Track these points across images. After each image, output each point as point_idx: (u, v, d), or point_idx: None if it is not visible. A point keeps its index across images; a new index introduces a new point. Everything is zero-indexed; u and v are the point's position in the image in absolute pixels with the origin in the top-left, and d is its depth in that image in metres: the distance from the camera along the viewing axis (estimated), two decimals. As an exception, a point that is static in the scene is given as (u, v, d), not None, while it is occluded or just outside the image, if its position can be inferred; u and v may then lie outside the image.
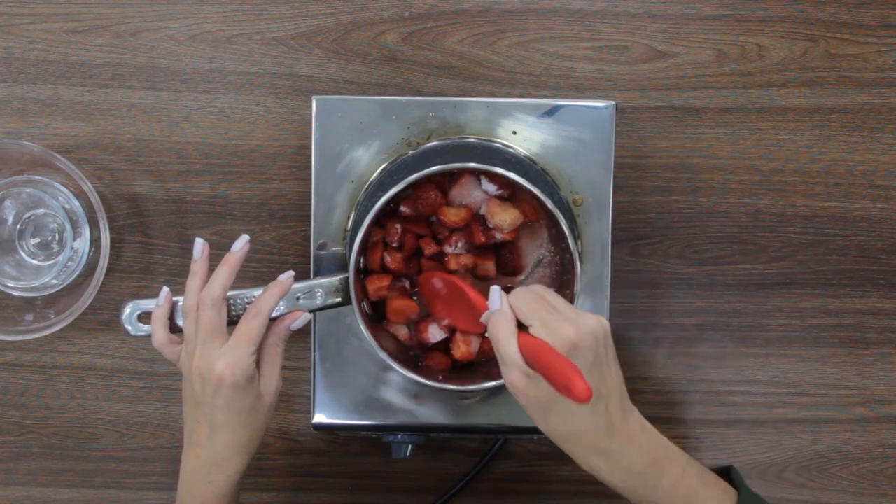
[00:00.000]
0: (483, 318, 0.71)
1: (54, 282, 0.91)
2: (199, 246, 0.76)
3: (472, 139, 0.83)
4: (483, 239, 0.81)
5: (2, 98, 0.91)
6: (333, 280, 0.78)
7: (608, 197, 0.83)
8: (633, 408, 0.71)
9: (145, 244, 0.93)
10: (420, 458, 0.93)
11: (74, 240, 0.90)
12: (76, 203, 0.89)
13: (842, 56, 0.90)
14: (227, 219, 0.92)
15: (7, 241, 0.93)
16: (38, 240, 0.93)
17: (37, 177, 0.91)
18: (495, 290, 0.70)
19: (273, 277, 0.76)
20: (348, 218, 0.83)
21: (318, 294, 0.78)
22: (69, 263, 0.91)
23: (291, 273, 0.77)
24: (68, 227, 0.90)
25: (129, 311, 0.78)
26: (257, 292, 0.76)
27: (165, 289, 0.76)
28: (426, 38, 0.90)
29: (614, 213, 0.83)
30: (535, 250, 0.84)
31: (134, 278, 0.93)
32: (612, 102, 0.82)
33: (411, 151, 0.83)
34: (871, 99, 0.91)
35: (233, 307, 0.76)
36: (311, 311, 0.77)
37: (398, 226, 0.81)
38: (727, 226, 0.92)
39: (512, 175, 0.75)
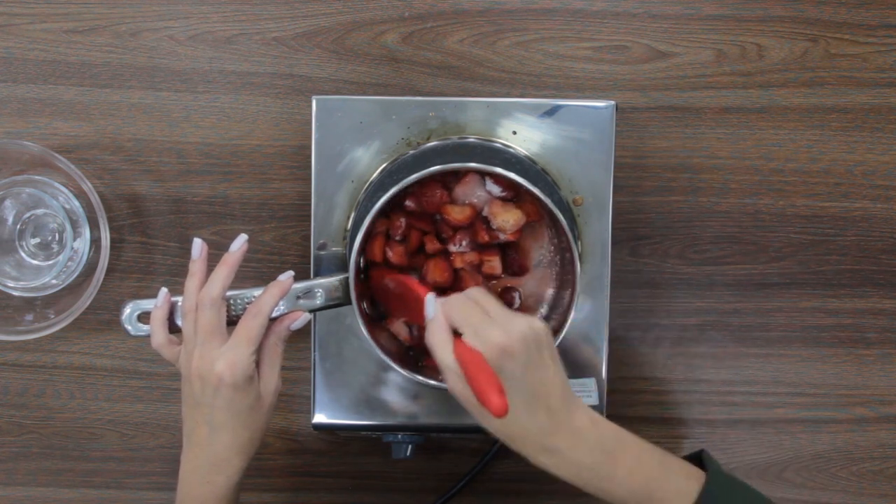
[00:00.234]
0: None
1: (54, 282, 0.91)
2: (198, 246, 0.76)
3: (472, 139, 0.83)
4: (487, 238, 0.81)
5: (2, 98, 0.91)
6: (333, 280, 0.78)
7: (608, 197, 0.83)
8: (578, 404, 0.71)
9: (145, 244, 0.93)
10: (420, 458, 0.93)
11: (74, 240, 0.90)
12: (76, 203, 0.89)
13: (842, 56, 0.90)
14: (227, 219, 0.92)
15: (7, 241, 0.93)
16: (38, 240, 0.93)
17: (37, 177, 0.91)
18: (430, 298, 0.71)
19: (273, 277, 0.76)
20: (348, 218, 0.83)
21: (318, 294, 0.78)
22: (69, 263, 0.91)
23: (291, 273, 0.77)
24: (68, 227, 0.90)
25: (129, 311, 0.77)
26: (257, 292, 0.76)
27: (164, 289, 0.76)
28: (426, 38, 0.90)
29: (614, 213, 0.83)
30: (538, 250, 0.84)
31: (134, 278, 0.93)
32: (612, 102, 0.82)
33: (411, 151, 0.83)
34: (871, 99, 0.91)
35: (232, 307, 0.76)
36: (311, 311, 0.77)
37: (403, 219, 0.81)
38: (727, 226, 0.92)
39: (512, 175, 0.75)
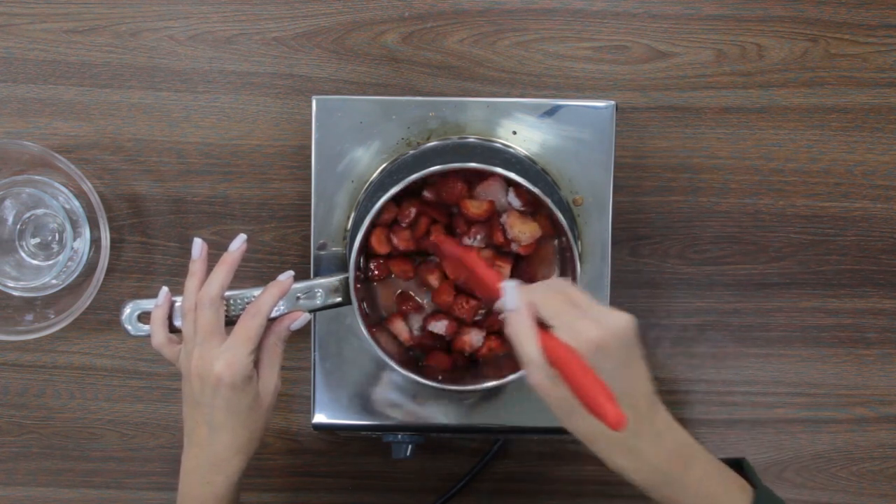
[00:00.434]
0: (497, 307, 0.68)
1: (54, 282, 0.91)
2: (198, 246, 0.76)
3: (472, 139, 0.83)
4: (502, 239, 0.80)
5: (2, 98, 0.91)
6: (333, 280, 0.78)
7: (608, 197, 0.83)
8: (659, 405, 0.69)
9: (145, 244, 0.93)
10: (420, 458, 0.93)
11: (74, 240, 0.90)
12: (76, 203, 0.90)
13: (842, 56, 0.90)
14: (227, 219, 0.92)
15: (7, 241, 0.93)
16: (38, 240, 0.93)
17: (37, 177, 0.91)
18: (509, 287, 0.67)
19: (273, 277, 0.76)
20: (348, 218, 0.83)
21: (318, 294, 0.78)
22: (69, 263, 0.91)
23: (291, 273, 0.77)
24: (68, 227, 0.90)
25: (129, 311, 0.77)
26: (256, 292, 0.76)
27: (164, 289, 0.76)
28: (426, 38, 0.90)
29: (614, 213, 0.83)
30: (546, 267, 0.83)
31: (134, 278, 0.93)
32: (612, 102, 0.82)
33: (411, 151, 0.83)
34: (871, 99, 0.91)
35: (232, 307, 0.76)
36: (310, 311, 0.77)
37: (413, 209, 0.80)
38: (727, 226, 0.92)
39: (512, 175, 0.75)
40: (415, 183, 0.76)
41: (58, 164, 0.87)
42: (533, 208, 0.81)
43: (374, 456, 0.95)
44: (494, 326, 0.82)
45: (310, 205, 0.83)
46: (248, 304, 0.76)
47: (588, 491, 0.94)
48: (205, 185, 0.92)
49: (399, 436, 0.85)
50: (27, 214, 0.93)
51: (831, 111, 0.91)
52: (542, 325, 0.65)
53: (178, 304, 0.76)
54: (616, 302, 0.85)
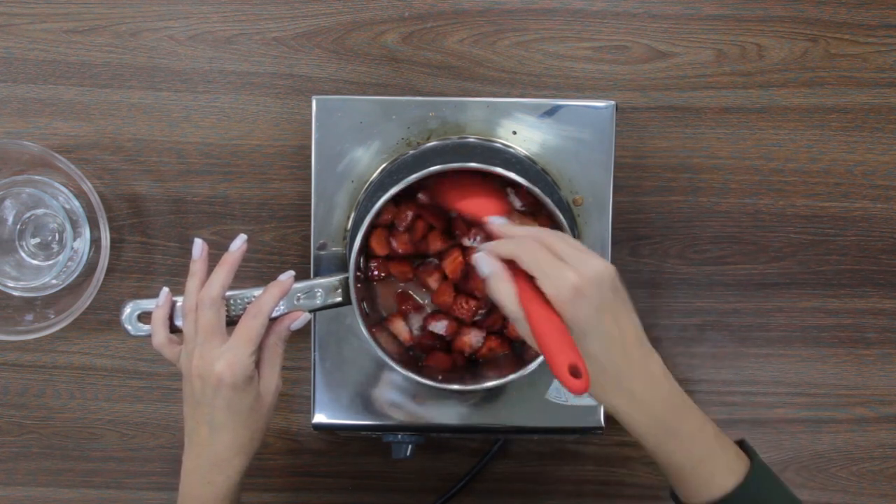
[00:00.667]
0: (481, 275, 0.70)
1: (54, 282, 0.91)
2: (198, 246, 0.76)
3: (472, 139, 0.83)
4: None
5: (2, 98, 0.91)
6: (333, 280, 0.78)
7: (608, 197, 0.83)
8: (653, 352, 0.69)
9: (145, 244, 0.93)
10: (420, 458, 0.93)
11: (74, 240, 0.90)
12: (76, 203, 0.90)
13: (842, 56, 0.90)
14: (227, 219, 0.92)
15: (7, 241, 0.93)
16: (38, 240, 0.93)
17: (37, 177, 0.91)
18: (479, 257, 0.69)
19: (273, 277, 0.76)
20: (348, 218, 0.83)
21: (318, 294, 0.78)
22: (69, 263, 0.91)
23: (292, 273, 0.77)
24: (68, 227, 0.90)
25: (129, 311, 0.77)
26: (257, 292, 0.76)
27: (165, 289, 0.76)
28: (426, 38, 0.90)
29: (614, 213, 0.83)
30: None
31: (134, 278, 0.93)
32: (612, 102, 0.82)
33: (411, 151, 0.83)
34: (871, 99, 0.91)
35: (232, 307, 0.76)
36: (310, 311, 0.77)
37: (409, 213, 0.80)
38: (727, 226, 0.92)
39: (512, 175, 0.75)
40: (413, 185, 0.76)
41: (58, 164, 0.86)
42: (533, 208, 0.81)
43: (374, 456, 0.95)
44: (494, 326, 0.82)
45: (310, 205, 0.83)
46: (248, 304, 0.76)
47: (588, 491, 0.95)
48: (205, 185, 0.92)
49: (399, 436, 0.85)
50: (27, 214, 0.93)
51: (831, 111, 0.91)
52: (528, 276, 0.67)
53: (178, 305, 0.76)
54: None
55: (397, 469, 0.95)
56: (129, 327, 0.78)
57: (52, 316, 0.90)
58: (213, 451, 0.74)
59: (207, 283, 0.74)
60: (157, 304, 0.76)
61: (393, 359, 0.78)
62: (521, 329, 0.67)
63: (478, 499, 0.95)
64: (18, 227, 0.93)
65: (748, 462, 0.71)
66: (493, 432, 0.88)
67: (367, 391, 0.85)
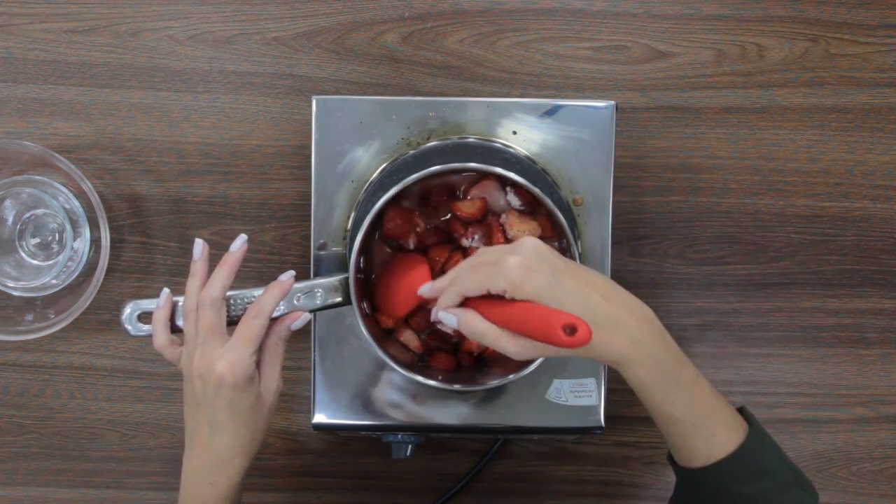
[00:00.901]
0: (434, 317, 0.71)
1: (54, 282, 0.91)
2: (199, 246, 0.76)
3: (472, 139, 0.83)
4: (502, 239, 0.80)
5: (2, 98, 0.91)
6: (333, 280, 0.78)
7: (608, 197, 0.83)
8: (629, 293, 0.69)
9: (145, 244, 0.93)
10: (420, 458, 0.93)
11: (74, 240, 0.90)
12: (76, 203, 0.89)
13: (842, 56, 0.90)
14: (227, 219, 0.92)
15: (7, 241, 0.93)
16: (38, 240, 0.93)
17: (37, 177, 0.91)
18: (441, 317, 0.70)
19: (273, 277, 0.76)
20: (348, 218, 0.83)
21: (318, 294, 0.78)
22: (69, 263, 0.91)
23: (292, 273, 0.77)
24: (68, 227, 0.90)
25: (129, 311, 0.77)
26: (257, 292, 0.76)
27: (166, 290, 0.76)
28: (426, 38, 0.90)
29: (614, 213, 0.83)
30: None
31: (134, 278, 0.93)
32: (612, 102, 0.82)
33: (411, 151, 0.83)
34: (871, 99, 0.91)
35: (233, 307, 0.76)
36: (311, 311, 0.77)
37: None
38: (727, 226, 0.92)
39: (512, 175, 0.75)
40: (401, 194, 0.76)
41: (58, 164, 0.86)
42: (532, 208, 0.81)
43: (374, 456, 0.95)
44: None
45: (310, 205, 0.83)
46: (249, 304, 0.76)
47: (588, 491, 0.95)
48: (205, 185, 0.92)
49: (399, 436, 0.85)
50: (27, 214, 0.93)
51: (831, 111, 0.91)
52: (494, 296, 0.67)
53: (179, 305, 0.76)
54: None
55: (397, 469, 0.95)
56: (129, 327, 0.78)
57: (52, 316, 0.90)
58: (214, 451, 0.74)
59: (208, 283, 0.74)
60: (157, 305, 0.76)
61: (393, 359, 0.78)
62: (506, 345, 0.66)
63: (478, 499, 0.95)
64: (18, 227, 0.93)
65: (746, 426, 0.71)
66: (493, 432, 0.88)
67: (367, 391, 0.85)
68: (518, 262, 0.65)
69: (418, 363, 0.83)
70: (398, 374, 0.79)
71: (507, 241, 0.80)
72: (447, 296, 0.70)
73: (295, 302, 0.77)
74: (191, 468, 0.75)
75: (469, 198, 0.81)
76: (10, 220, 0.93)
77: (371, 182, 0.83)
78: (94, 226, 0.89)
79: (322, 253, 0.83)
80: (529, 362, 0.77)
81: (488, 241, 0.81)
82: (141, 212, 0.92)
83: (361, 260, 0.82)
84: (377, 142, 0.83)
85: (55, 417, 0.94)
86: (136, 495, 0.95)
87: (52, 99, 0.91)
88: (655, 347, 0.68)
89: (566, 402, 0.84)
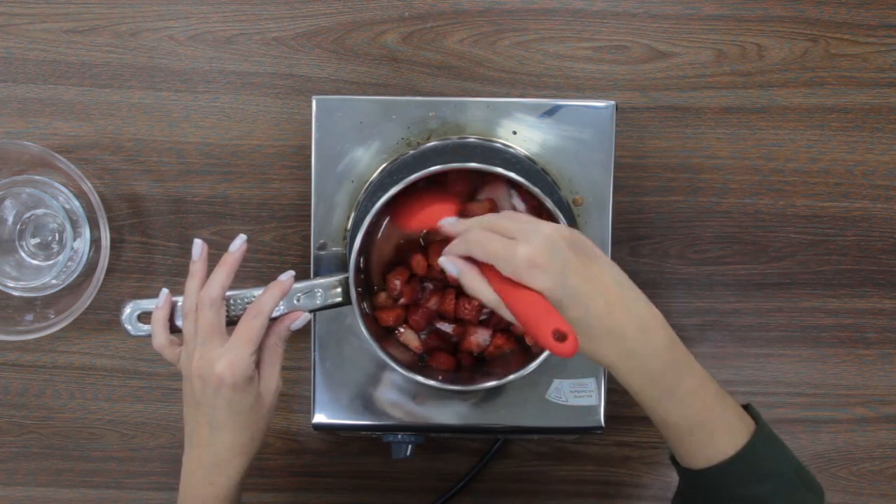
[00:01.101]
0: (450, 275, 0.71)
1: (54, 282, 0.91)
2: (198, 247, 0.76)
3: (472, 139, 0.83)
4: None
5: (2, 98, 0.91)
6: (333, 280, 0.78)
7: (608, 197, 0.83)
8: (642, 296, 0.68)
9: (145, 244, 0.93)
10: (420, 458, 0.93)
11: (74, 240, 0.90)
12: (76, 203, 0.90)
13: (842, 56, 0.90)
14: (227, 219, 0.92)
15: (7, 241, 0.93)
16: (38, 240, 0.93)
17: (37, 177, 0.91)
18: (443, 261, 0.69)
19: (273, 277, 0.76)
20: (348, 218, 0.83)
21: (318, 294, 0.78)
22: (69, 263, 0.91)
23: (292, 273, 0.77)
24: (68, 227, 0.90)
25: (129, 311, 0.77)
26: (257, 292, 0.76)
27: (165, 290, 0.76)
28: (426, 38, 0.90)
29: (614, 213, 0.83)
30: None
31: (134, 278, 0.93)
32: (612, 102, 0.82)
33: (411, 151, 0.83)
34: (871, 99, 0.91)
35: (233, 307, 0.76)
36: (310, 311, 0.77)
37: (398, 280, 0.81)
38: (727, 226, 0.92)
39: (512, 175, 0.75)
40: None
41: (58, 164, 0.86)
42: (537, 212, 0.81)
43: (374, 456, 0.95)
44: (501, 324, 0.82)
45: (310, 205, 0.83)
46: (248, 304, 0.76)
47: (588, 491, 0.95)
48: (205, 185, 0.92)
49: (399, 436, 0.85)
50: (27, 214, 0.93)
51: (831, 111, 0.91)
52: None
53: (178, 305, 0.76)
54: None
55: (397, 469, 0.95)
56: (129, 327, 0.78)
57: (52, 316, 0.90)
58: (214, 451, 0.74)
59: (207, 283, 0.74)
60: (157, 305, 0.76)
61: (393, 359, 0.78)
62: (505, 314, 0.66)
63: (478, 499, 0.95)
64: (18, 227, 0.93)
65: (752, 425, 0.70)
66: (493, 432, 0.88)
67: (367, 391, 0.85)
68: (526, 256, 0.64)
69: (418, 363, 0.83)
70: (398, 374, 0.79)
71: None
72: (457, 243, 0.69)
73: (295, 302, 0.77)
74: (190, 468, 0.75)
75: (478, 198, 0.81)
76: (10, 220, 0.93)
77: (371, 182, 0.83)
78: (94, 226, 0.89)
79: (322, 253, 0.83)
80: (529, 362, 0.77)
81: None
82: (141, 212, 0.92)
83: (361, 260, 0.82)
84: (377, 142, 0.83)
85: (55, 417, 0.94)
86: (136, 495, 0.95)
87: (52, 99, 0.91)
88: (649, 360, 0.67)
89: (566, 402, 0.84)
